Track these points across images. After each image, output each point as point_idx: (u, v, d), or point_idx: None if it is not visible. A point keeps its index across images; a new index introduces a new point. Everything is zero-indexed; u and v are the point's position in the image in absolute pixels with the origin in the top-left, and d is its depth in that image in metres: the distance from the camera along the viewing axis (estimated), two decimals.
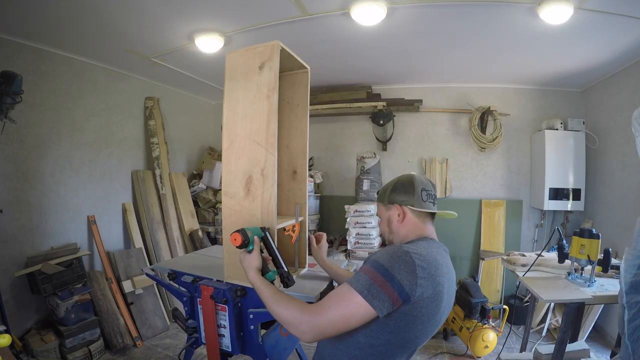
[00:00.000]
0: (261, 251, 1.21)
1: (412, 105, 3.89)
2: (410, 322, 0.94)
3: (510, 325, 3.14)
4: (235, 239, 1.14)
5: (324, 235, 1.55)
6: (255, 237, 1.19)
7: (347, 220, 3.41)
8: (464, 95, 3.86)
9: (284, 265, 1.24)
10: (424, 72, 3.59)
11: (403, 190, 1.15)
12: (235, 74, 1.40)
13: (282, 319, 1.01)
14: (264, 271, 1.16)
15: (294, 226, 1.47)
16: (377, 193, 1.26)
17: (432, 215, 1.17)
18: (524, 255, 2.19)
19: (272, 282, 1.14)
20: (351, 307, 0.91)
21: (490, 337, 2.76)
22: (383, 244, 3.39)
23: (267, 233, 1.25)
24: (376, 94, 3.96)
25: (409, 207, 1.13)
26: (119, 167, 3.45)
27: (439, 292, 0.95)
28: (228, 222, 1.41)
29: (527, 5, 2.08)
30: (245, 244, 1.15)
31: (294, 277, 1.33)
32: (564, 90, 3.73)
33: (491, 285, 3.67)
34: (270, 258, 1.24)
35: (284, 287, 1.22)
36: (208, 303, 1.41)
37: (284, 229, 1.48)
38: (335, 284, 1.53)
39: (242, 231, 1.15)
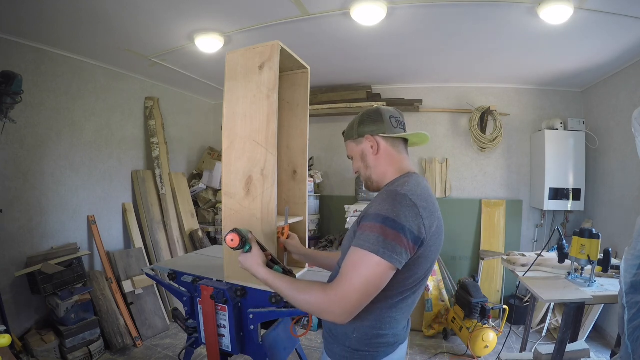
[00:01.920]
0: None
1: (412, 105, 3.89)
2: (422, 262, 0.94)
3: (510, 325, 3.15)
4: (232, 240, 1.10)
5: (292, 235, 1.47)
6: (250, 234, 1.16)
7: (347, 220, 3.41)
8: (464, 95, 3.86)
9: (285, 261, 1.23)
10: (424, 72, 3.59)
11: (371, 120, 1.09)
12: (235, 74, 1.40)
13: (308, 307, 0.94)
14: (269, 266, 1.12)
15: (283, 229, 1.45)
16: (343, 133, 1.18)
17: (405, 143, 1.12)
18: (524, 255, 2.19)
19: None
20: (373, 269, 0.85)
21: (490, 337, 2.77)
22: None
23: (251, 234, 1.21)
24: (376, 94, 3.96)
25: (381, 135, 1.07)
26: (119, 167, 3.45)
27: (439, 226, 0.96)
28: (228, 222, 1.41)
29: (527, 5, 2.08)
30: (243, 243, 1.11)
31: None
32: (564, 90, 3.73)
33: (491, 285, 3.67)
34: (270, 254, 1.20)
35: None
36: (208, 303, 1.41)
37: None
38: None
39: (237, 231, 1.11)
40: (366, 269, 0.86)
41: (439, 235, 0.98)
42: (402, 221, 0.86)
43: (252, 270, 1.10)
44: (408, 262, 0.89)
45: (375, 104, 3.78)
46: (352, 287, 0.86)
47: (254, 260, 1.10)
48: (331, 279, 1.10)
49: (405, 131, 1.11)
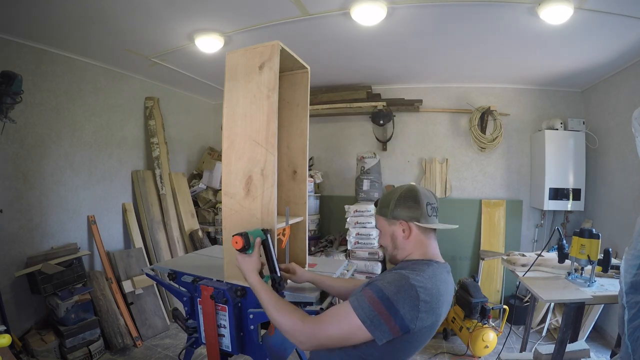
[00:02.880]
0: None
1: (412, 105, 3.89)
2: (407, 347, 0.98)
3: (510, 325, 3.14)
4: (236, 242, 1.14)
5: (291, 264, 1.47)
6: (257, 239, 1.19)
7: (347, 220, 3.41)
8: (464, 95, 3.86)
9: (277, 270, 1.25)
10: (424, 72, 3.59)
11: (408, 205, 1.09)
12: (235, 74, 1.40)
13: (282, 327, 1.03)
14: (260, 274, 1.17)
15: (284, 230, 1.45)
16: (376, 204, 1.21)
17: (435, 229, 1.14)
18: (524, 255, 2.19)
19: None
20: (352, 330, 0.93)
21: (490, 337, 2.76)
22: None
23: (269, 236, 1.25)
24: (376, 94, 3.96)
25: (415, 223, 1.08)
26: (119, 167, 3.45)
27: (436, 322, 0.98)
28: (228, 222, 1.41)
29: (527, 5, 2.08)
30: (245, 248, 1.15)
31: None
32: (564, 90, 3.73)
33: (491, 285, 3.67)
34: (266, 263, 1.24)
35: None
36: (208, 303, 1.41)
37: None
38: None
39: (244, 235, 1.15)
40: (346, 325, 0.94)
41: (435, 328, 1.00)
42: (397, 306, 0.91)
43: (244, 273, 1.17)
44: (393, 342, 0.94)
45: (377, 104, 3.79)
46: (327, 333, 0.96)
47: (250, 265, 1.16)
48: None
49: (437, 217, 1.13)
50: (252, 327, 1.43)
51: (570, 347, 1.91)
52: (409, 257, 1.10)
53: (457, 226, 1.17)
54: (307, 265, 1.65)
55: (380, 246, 1.22)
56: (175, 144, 4.12)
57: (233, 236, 1.15)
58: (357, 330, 0.92)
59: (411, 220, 1.09)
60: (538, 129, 3.68)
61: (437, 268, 1.05)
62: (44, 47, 2.73)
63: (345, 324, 0.94)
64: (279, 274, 1.26)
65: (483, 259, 3.49)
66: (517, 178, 3.86)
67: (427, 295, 0.94)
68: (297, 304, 1.34)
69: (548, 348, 2.02)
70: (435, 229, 1.13)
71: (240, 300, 1.41)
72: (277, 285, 1.23)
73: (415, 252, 1.09)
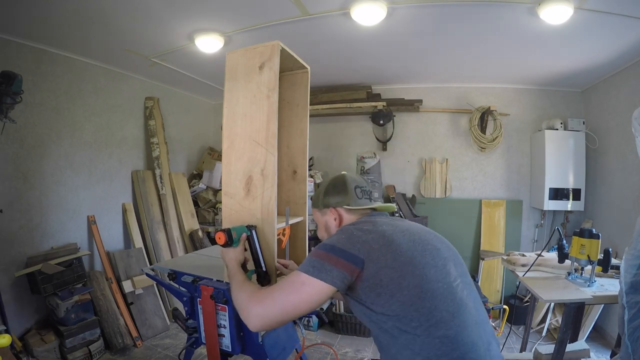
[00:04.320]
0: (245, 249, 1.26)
1: (412, 105, 3.89)
2: (387, 289, 0.89)
3: (510, 325, 3.14)
4: (219, 238, 1.19)
5: (290, 261, 1.49)
6: (243, 234, 1.24)
7: None
8: (464, 95, 3.86)
9: (263, 265, 1.28)
10: (424, 72, 3.59)
11: (336, 192, 1.12)
12: (235, 74, 1.40)
13: (235, 304, 1.04)
14: (244, 268, 1.21)
15: (284, 230, 1.46)
16: (311, 198, 1.24)
17: (373, 210, 1.14)
18: (524, 255, 2.19)
19: None
20: (298, 289, 0.92)
21: None
22: None
23: (254, 232, 1.29)
24: (376, 94, 3.96)
25: (345, 207, 1.11)
26: (119, 167, 3.45)
27: (388, 239, 0.94)
28: (228, 222, 1.41)
29: (527, 5, 2.08)
30: (228, 244, 1.20)
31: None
32: (564, 90, 3.73)
33: (491, 285, 3.67)
34: (250, 259, 1.28)
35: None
36: (208, 303, 1.41)
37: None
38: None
39: (227, 231, 1.19)
40: (294, 290, 0.92)
41: (394, 246, 0.93)
42: (333, 243, 0.94)
43: (226, 262, 1.21)
44: (367, 291, 0.90)
45: (377, 104, 3.79)
46: (275, 303, 0.92)
47: (231, 255, 1.20)
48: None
49: (371, 200, 1.15)
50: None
51: (570, 347, 1.91)
52: None
53: (394, 206, 1.23)
54: None
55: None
56: (175, 144, 4.12)
57: (216, 232, 1.19)
58: (304, 286, 0.90)
59: (339, 206, 1.11)
60: (538, 129, 3.68)
61: (369, 217, 1.08)
62: (44, 47, 2.73)
63: (292, 286, 0.93)
64: (264, 269, 1.28)
65: (483, 259, 3.49)
66: (517, 178, 3.86)
67: (359, 228, 0.97)
68: None
69: (548, 348, 2.02)
70: (374, 209, 1.13)
71: None
72: (263, 280, 1.26)
73: None
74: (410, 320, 0.87)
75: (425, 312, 0.87)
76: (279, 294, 0.93)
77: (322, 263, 0.91)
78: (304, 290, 0.91)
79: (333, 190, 1.13)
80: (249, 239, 1.27)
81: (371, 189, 1.18)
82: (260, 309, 0.94)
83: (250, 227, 1.29)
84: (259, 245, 1.29)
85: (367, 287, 0.91)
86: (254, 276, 1.28)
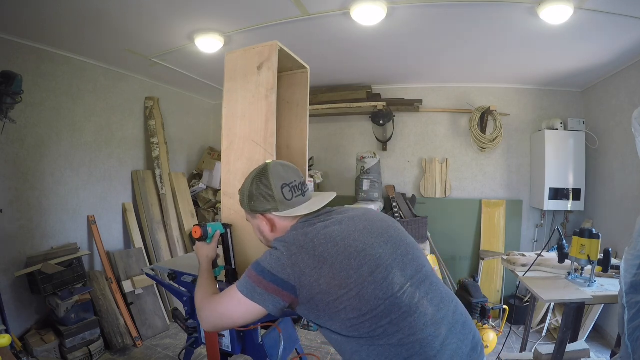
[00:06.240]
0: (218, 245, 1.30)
1: (412, 105, 3.89)
2: (324, 313, 0.87)
3: (510, 325, 3.14)
4: (195, 232, 1.23)
5: None
6: (217, 232, 1.28)
7: None
8: (464, 95, 3.86)
9: (233, 263, 1.33)
10: (424, 72, 3.59)
11: (261, 196, 0.99)
12: (234, 75, 1.40)
13: (195, 303, 1.06)
14: (213, 265, 1.25)
15: None
16: (239, 191, 1.10)
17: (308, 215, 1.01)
18: (524, 255, 2.19)
19: (216, 277, 1.25)
20: (235, 306, 0.93)
21: (490, 337, 2.76)
22: None
23: (229, 230, 1.33)
24: (376, 94, 3.96)
25: (274, 214, 0.99)
26: (119, 167, 3.45)
27: (319, 258, 0.87)
28: (228, 222, 1.41)
29: (527, 5, 2.08)
30: (203, 238, 1.24)
31: None
32: (564, 90, 3.73)
33: (491, 285, 3.67)
34: (222, 255, 1.33)
35: (226, 282, 1.34)
36: None
37: None
38: None
39: (203, 226, 1.24)
40: (230, 304, 0.94)
41: (326, 262, 0.86)
42: (263, 264, 0.90)
43: (198, 257, 1.24)
44: (313, 307, 0.87)
45: (377, 104, 3.79)
46: (217, 311, 0.97)
47: (205, 251, 1.23)
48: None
49: (304, 195, 1.02)
50: (252, 327, 1.43)
51: (570, 347, 1.90)
52: None
53: (335, 194, 1.10)
54: None
55: None
56: (175, 144, 4.12)
57: (193, 226, 1.23)
58: (239, 305, 0.91)
59: (269, 212, 1.00)
60: (538, 129, 3.68)
61: (303, 225, 0.97)
62: (44, 47, 2.73)
63: (229, 299, 0.95)
64: (234, 267, 1.33)
65: (483, 259, 3.49)
66: (517, 178, 3.86)
67: (288, 246, 0.89)
68: None
69: (548, 348, 2.02)
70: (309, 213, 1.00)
71: None
72: (230, 277, 1.31)
73: None
74: (353, 332, 0.87)
75: (366, 328, 0.85)
76: (219, 306, 0.97)
77: (253, 286, 0.89)
78: (239, 309, 0.92)
79: (257, 194, 0.99)
80: (223, 237, 1.31)
81: (302, 180, 1.02)
82: (206, 312, 0.99)
83: (226, 226, 1.33)
84: (232, 243, 1.34)
85: (306, 310, 0.90)
86: (223, 272, 1.33)
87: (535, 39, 2.54)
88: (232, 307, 0.94)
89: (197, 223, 1.26)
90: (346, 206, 1.09)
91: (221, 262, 1.34)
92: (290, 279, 0.86)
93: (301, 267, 0.86)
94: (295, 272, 0.86)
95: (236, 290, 0.92)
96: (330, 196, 1.09)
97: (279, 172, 1.00)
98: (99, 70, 3.20)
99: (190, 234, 1.26)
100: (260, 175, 1.01)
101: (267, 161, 1.05)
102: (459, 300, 1.00)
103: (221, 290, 1.10)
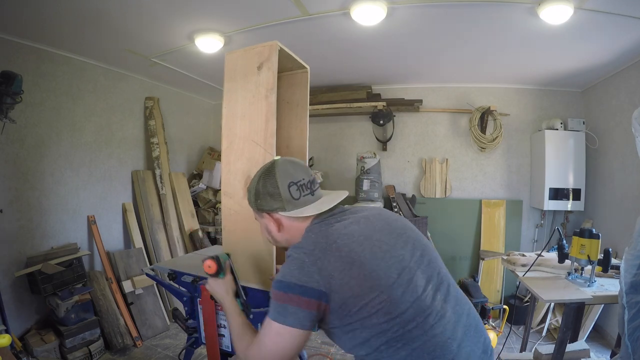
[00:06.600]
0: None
1: (412, 105, 3.89)
2: (356, 317, 0.82)
3: (510, 325, 3.14)
4: (209, 266, 1.13)
5: None
6: (227, 262, 1.19)
7: None
8: (464, 95, 3.86)
9: (242, 294, 1.24)
10: (424, 72, 3.59)
11: (268, 195, 0.94)
12: (234, 75, 1.40)
13: (237, 351, 0.99)
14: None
15: None
16: (247, 189, 1.05)
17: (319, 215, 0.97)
18: (524, 255, 2.19)
19: (242, 310, 1.13)
20: (275, 340, 0.85)
21: (490, 337, 2.76)
22: None
23: (230, 259, 1.25)
24: (376, 94, 3.96)
25: (281, 214, 0.95)
26: (119, 167, 3.45)
27: (347, 259, 0.83)
28: (228, 222, 1.41)
29: (527, 5, 2.08)
30: (218, 272, 1.15)
31: None
32: (564, 90, 3.73)
33: (491, 285, 3.67)
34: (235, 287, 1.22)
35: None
36: (208, 303, 1.41)
37: None
38: None
39: (216, 258, 1.14)
40: (271, 339, 0.86)
41: (355, 260, 0.83)
42: (287, 279, 0.83)
43: (218, 296, 1.14)
44: (343, 315, 0.82)
45: (376, 104, 3.79)
46: (261, 355, 0.88)
47: (224, 288, 1.14)
48: None
49: (313, 194, 0.97)
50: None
51: (570, 347, 1.90)
52: (291, 242, 0.96)
53: (347, 193, 1.04)
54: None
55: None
56: (175, 144, 4.12)
57: (204, 260, 1.13)
58: (280, 335, 0.84)
59: (275, 212, 0.95)
60: (538, 129, 3.68)
61: (317, 227, 0.92)
62: (44, 47, 2.73)
63: (268, 335, 0.86)
64: (244, 298, 1.23)
65: (483, 259, 3.49)
66: (517, 178, 3.86)
67: (305, 251, 0.85)
68: None
69: (548, 348, 2.02)
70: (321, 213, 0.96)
71: None
72: (247, 310, 1.21)
73: (297, 236, 0.95)
74: (381, 338, 0.84)
75: (392, 333, 0.82)
76: (263, 347, 0.88)
77: (284, 307, 0.82)
78: (280, 341, 0.85)
79: (264, 192, 0.95)
80: (231, 267, 1.22)
81: (311, 178, 0.97)
82: (253, 355, 0.92)
83: (227, 254, 1.25)
84: (235, 273, 1.24)
85: (337, 318, 0.84)
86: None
87: (535, 39, 2.54)
88: (276, 343, 0.85)
89: (209, 256, 1.15)
90: (358, 205, 1.03)
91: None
92: (320, 286, 0.81)
93: (329, 271, 0.82)
94: (324, 277, 0.81)
95: (270, 322, 0.85)
96: (341, 195, 1.03)
97: (287, 170, 0.96)
98: (99, 70, 3.21)
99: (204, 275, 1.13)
100: (267, 172, 0.96)
101: (275, 158, 1.01)
102: (471, 303, 0.99)
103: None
